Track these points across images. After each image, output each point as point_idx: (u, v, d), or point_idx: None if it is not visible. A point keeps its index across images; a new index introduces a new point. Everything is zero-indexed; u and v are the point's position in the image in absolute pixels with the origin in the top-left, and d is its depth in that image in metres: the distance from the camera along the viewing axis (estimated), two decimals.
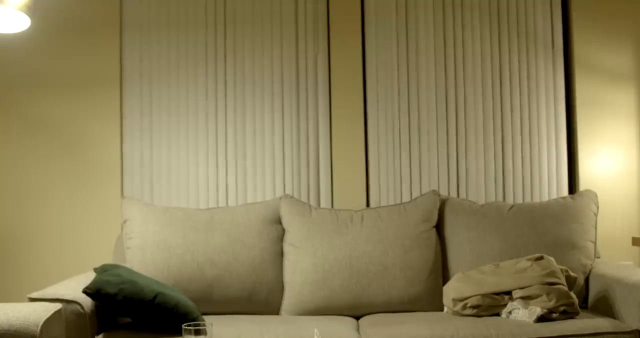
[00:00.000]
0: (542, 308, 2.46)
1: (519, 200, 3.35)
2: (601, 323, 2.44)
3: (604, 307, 2.66)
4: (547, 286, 2.53)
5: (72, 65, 3.33)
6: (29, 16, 2.26)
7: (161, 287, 2.52)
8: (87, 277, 2.56)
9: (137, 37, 3.37)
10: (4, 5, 2.16)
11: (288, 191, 3.32)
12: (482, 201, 3.33)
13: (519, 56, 3.41)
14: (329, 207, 3.30)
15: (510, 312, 2.54)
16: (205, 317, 2.55)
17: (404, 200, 3.31)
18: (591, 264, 2.89)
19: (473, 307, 2.57)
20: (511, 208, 3.01)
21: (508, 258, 2.81)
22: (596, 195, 3.03)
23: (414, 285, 2.82)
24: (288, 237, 2.95)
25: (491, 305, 2.57)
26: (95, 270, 2.59)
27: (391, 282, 2.82)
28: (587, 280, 2.86)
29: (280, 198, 3.07)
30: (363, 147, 3.35)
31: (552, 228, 2.91)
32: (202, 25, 3.39)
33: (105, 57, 3.33)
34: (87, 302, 2.37)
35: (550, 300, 2.48)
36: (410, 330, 2.42)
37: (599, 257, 3.00)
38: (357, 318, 2.79)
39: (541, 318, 2.44)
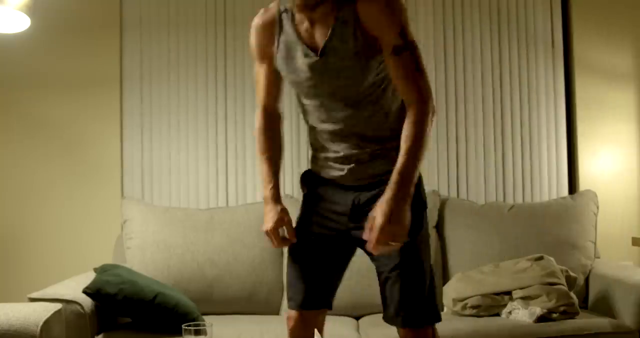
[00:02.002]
0: (542, 308, 2.46)
1: (519, 200, 3.35)
2: (601, 323, 2.44)
3: (604, 307, 2.66)
4: (547, 286, 2.53)
5: (72, 65, 3.33)
6: (29, 16, 2.26)
7: (161, 287, 2.52)
8: (87, 277, 2.56)
9: (137, 37, 3.37)
10: (4, 5, 2.16)
11: (288, 191, 3.31)
12: (482, 201, 3.33)
13: (519, 56, 3.41)
14: None
15: (510, 312, 2.54)
16: (205, 317, 2.55)
17: None
18: (591, 264, 2.89)
19: (473, 307, 2.57)
20: (511, 208, 3.01)
21: (508, 258, 2.81)
22: (596, 195, 3.02)
23: None
24: None
25: (491, 305, 2.57)
26: (96, 270, 2.59)
27: None
28: (587, 280, 2.86)
29: None
30: None
31: (552, 228, 2.91)
32: (202, 25, 3.38)
33: (105, 57, 3.33)
34: (87, 302, 2.37)
35: (550, 300, 2.48)
36: None
37: (599, 257, 3.00)
38: (357, 318, 2.79)
39: (541, 318, 2.44)
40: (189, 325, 1.74)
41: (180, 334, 1.76)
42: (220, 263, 2.85)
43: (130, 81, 3.35)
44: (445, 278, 2.88)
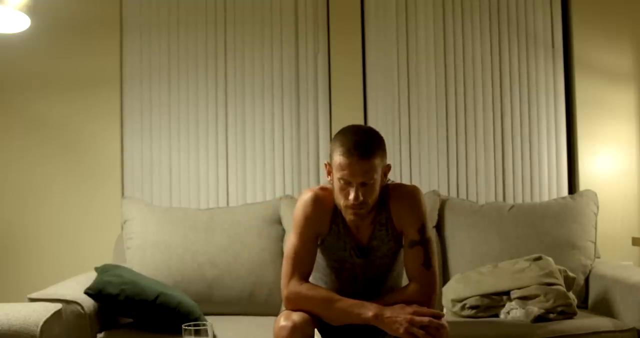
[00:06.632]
0: (539, 308, 2.46)
1: (519, 200, 3.35)
2: (598, 323, 2.43)
3: (604, 307, 2.66)
4: (544, 286, 2.53)
5: (72, 65, 3.33)
6: (29, 16, 2.26)
7: (162, 287, 2.52)
8: (88, 277, 2.56)
9: (137, 37, 3.37)
10: (4, 5, 2.16)
11: (288, 191, 3.31)
12: (482, 201, 3.33)
13: (519, 56, 3.41)
14: None
15: (508, 313, 2.54)
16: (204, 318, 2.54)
17: None
18: (591, 264, 2.89)
19: (472, 307, 2.57)
20: (511, 208, 3.01)
21: (508, 258, 2.80)
22: (596, 195, 3.02)
23: None
24: None
25: (490, 305, 2.57)
26: (96, 269, 2.59)
27: None
28: (587, 280, 2.86)
29: (280, 198, 3.07)
30: None
31: (552, 229, 2.90)
32: (202, 25, 3.38)
33: (105, 57, 3.33)
34: (87, 302, 2.37)
35: (547, 301, 2.48)
36: None
37: (599, 257, 3.00)
38: None
39: (539, 319, 2.44)
40: (189, 325, 1.74)
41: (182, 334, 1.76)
42: (221, 264, 2.84)
43: (130, 81, 3.36)
44: (446, 278, 2.88)
